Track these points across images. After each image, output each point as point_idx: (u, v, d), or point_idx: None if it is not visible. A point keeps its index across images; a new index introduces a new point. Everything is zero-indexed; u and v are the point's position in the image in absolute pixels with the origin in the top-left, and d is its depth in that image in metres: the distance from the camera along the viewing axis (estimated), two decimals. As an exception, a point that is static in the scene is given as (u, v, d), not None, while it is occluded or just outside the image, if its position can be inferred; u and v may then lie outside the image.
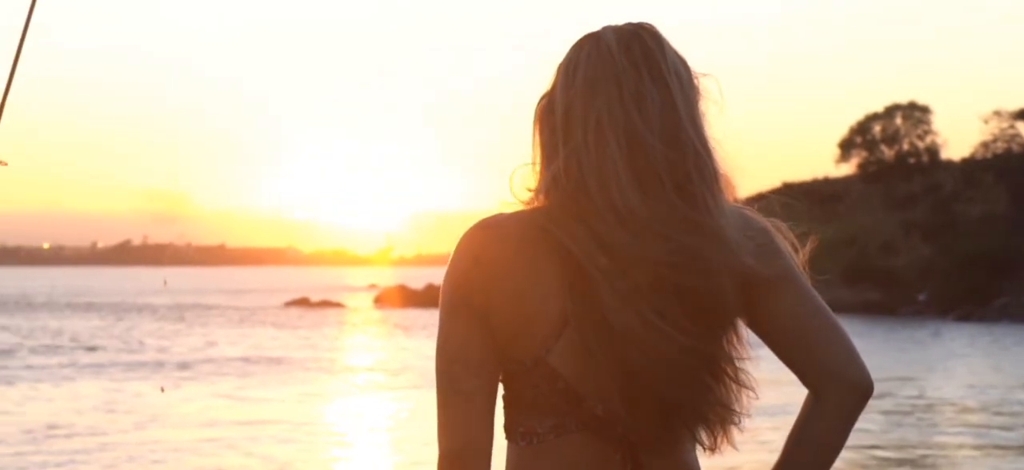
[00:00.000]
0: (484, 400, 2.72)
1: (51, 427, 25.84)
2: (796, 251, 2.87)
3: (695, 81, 2.79)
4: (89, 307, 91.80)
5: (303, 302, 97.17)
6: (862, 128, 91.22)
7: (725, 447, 2.79)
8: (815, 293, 2.83)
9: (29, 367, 41.05)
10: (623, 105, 2.71)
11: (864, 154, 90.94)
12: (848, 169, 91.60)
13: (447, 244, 2.84)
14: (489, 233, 2.74)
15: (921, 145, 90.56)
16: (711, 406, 2.73)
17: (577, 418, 2.73)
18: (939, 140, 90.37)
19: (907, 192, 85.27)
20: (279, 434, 24.68)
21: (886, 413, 27.91)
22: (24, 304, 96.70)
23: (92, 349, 49.29)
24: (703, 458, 2.87)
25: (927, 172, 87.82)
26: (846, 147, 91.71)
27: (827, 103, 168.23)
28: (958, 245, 75.06)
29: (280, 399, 31.53)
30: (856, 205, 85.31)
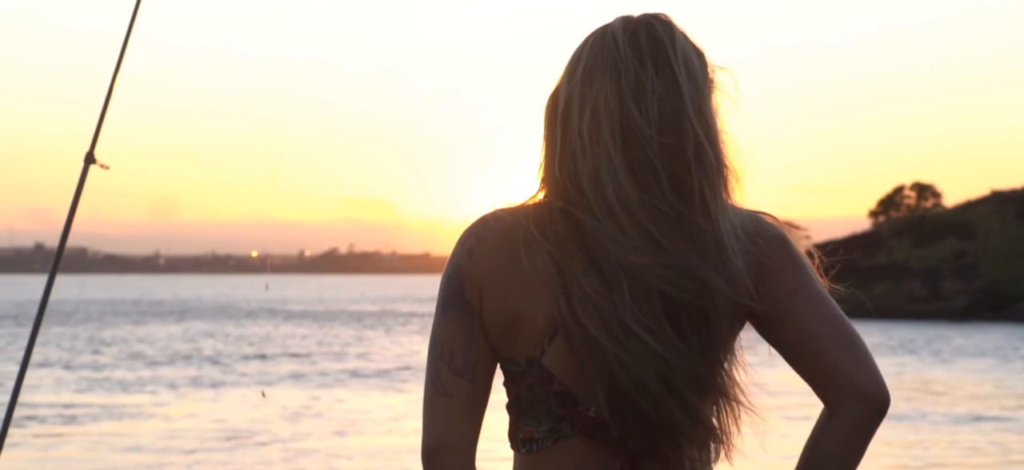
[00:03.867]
0: (467, 400, 2.66)
1: (253, 433, 26.19)
2: (811, 257, 2.73)
3: (710, 74, 2.68)
4: (294, 315, 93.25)
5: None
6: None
7: (720, 462, 2.68)
8: (831, 302, 2.68)
9: (234, 373, 41.75)
10: (619, 95, 2.61)
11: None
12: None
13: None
14: (486, 228, 2.67)
15: None
16: (695, 425, 2.62)
17: (573, 422, 2.64)
18: None
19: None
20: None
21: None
22: (232, 311, 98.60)
23: (295, 356, 49.99)
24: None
25: None
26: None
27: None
28: None
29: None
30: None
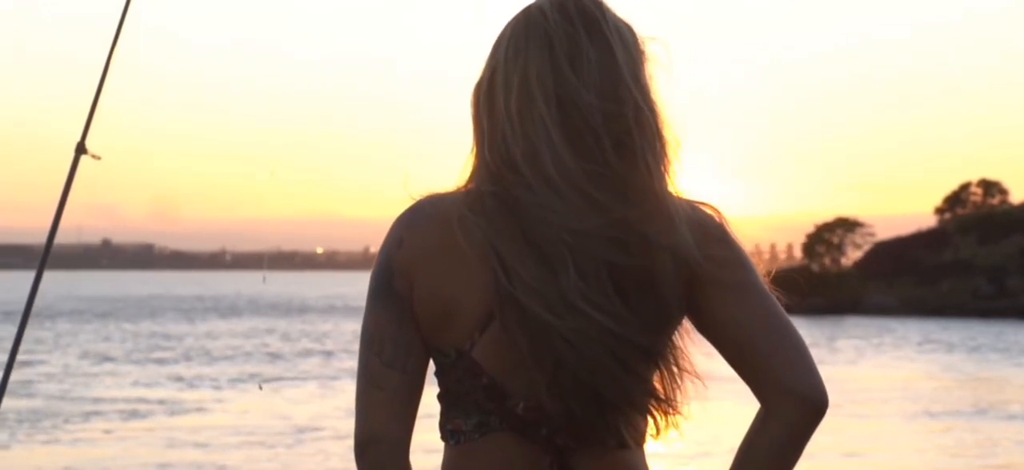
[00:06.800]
0: (399, 392, 2.60)
1: (317, 429, 26.31)
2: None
3: (640, 45, 2.61)
4: (358, 310, 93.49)
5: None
6: None
7: (668, 433, 2.62)
8: (770, 297, 2.59)
9: (296, 369, 41.92)
10: (554, 63, 2.54)
11: None
12: None
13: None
14: (418, 215, 2.61)
15: None
16: (646, 397, 2.56)
17: (501, 416, 2.59)
18: None
19: None
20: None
21: None
22: (296, 308, 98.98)
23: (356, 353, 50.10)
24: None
25: None
26: None
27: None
28: None
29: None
30: None
